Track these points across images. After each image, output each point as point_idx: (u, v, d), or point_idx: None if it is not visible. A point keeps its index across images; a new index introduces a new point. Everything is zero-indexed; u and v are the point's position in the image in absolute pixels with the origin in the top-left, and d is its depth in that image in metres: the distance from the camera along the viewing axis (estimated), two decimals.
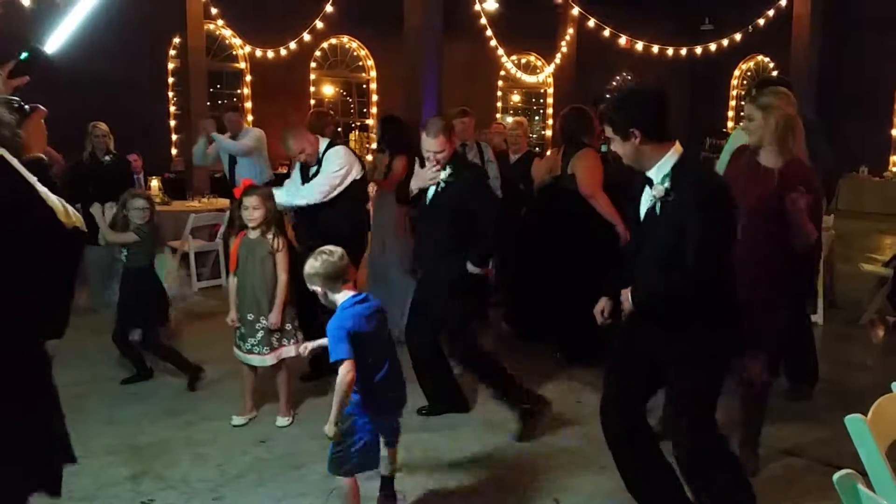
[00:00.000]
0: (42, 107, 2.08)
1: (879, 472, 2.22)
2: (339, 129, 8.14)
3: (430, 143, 4.00)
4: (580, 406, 4.55)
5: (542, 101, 16.37)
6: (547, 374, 4.98)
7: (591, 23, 12.28)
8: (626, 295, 2.86)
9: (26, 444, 1.92)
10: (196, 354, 4.95)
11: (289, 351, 4.22)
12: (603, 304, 3.09)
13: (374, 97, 14.10)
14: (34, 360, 1.94)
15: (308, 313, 4.39)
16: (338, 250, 3.00)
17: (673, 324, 2.80)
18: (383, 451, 3.20)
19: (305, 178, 4.87)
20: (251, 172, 6.65)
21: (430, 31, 8.04)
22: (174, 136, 11.70)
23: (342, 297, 2.97)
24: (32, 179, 1.82)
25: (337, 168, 4.78)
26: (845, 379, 4.97)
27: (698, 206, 2.66)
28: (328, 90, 13.95)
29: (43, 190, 1.83)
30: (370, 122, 13.46)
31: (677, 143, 2.80)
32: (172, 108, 11.62)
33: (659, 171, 2.76)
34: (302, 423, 4.26)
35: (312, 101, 13.43)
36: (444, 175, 4.06)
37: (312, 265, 2.96)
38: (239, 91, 12.73)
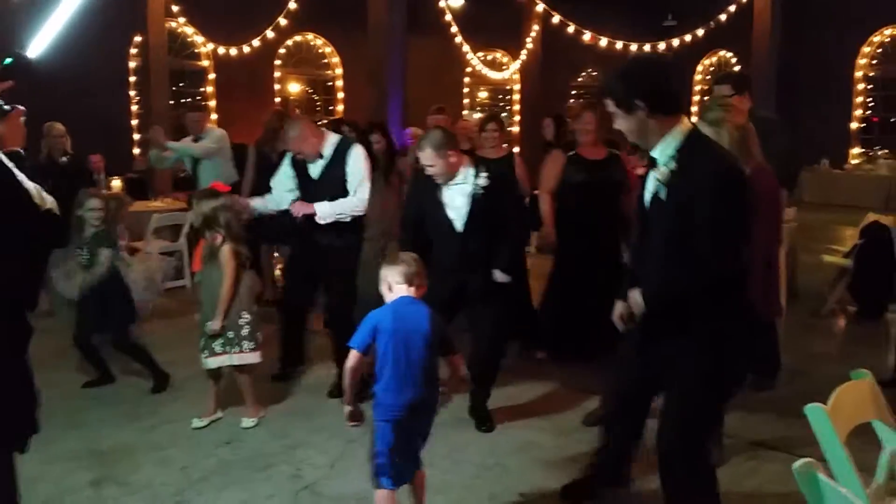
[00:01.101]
0: (21, 107, 2.26)
1: (839, 460, 2.25)
2: None
3: (421, 157, 3.98)
4: (549, 402, 4.57)
5: (508, 97, 16.40)
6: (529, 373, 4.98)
7: (556, 19, 12.31)
8: (635, 297, 2.66)
9: (15, 398, 2.10)
10: (159, 356, 4.86)
11: (231, 358, 4.16)
12: (621, 309, 2.84)
13: (340, 94, 14.02)
14: (21, 328, 2.09)
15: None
16: (412, 255, 3.02)
17: (681, 322, 2.59)
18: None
19: (303, 174, 4.64)
20: (214, 173, 6.57)
21: (394, 28, 8.03)
22: (136, 136, 11.51)
23: (395, 295, 2.94)
24: (10, 165, 2.00)
25: (367, 171, 4.60)
26: (808, 369, 5.04)
27: (709, 187, 2.43)
28: (294, 88, 13.84)
29: (20, 175, 2.01)
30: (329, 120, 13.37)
31: (685, 119, 2.58)
32: (134, 108, 11.42)
33: (664, 150, 2.54)
34: (268, 424, 4.21)
35: (277, 99, 13.32)
36: (481, 182, 3.98)
37: (386, 270, 2.97)
38: (202, 89, 12.57)
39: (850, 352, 5.71)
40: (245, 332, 4.15)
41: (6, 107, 2.21)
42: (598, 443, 3.33)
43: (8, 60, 2.38)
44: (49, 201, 2.09)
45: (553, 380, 4.87)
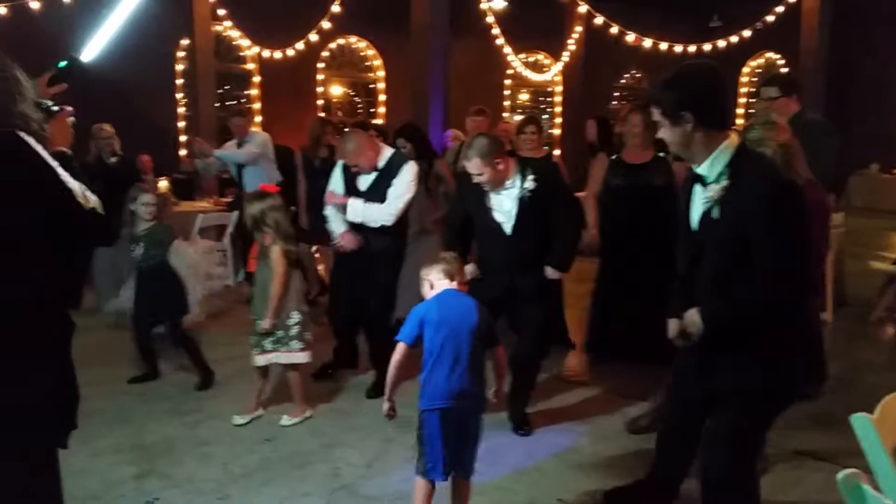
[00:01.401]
0: (69, 108, 2.31)
1: (885, 471, 2.20)
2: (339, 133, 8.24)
3: (468, 166, 3.96)
4: (589, 407, 4.54)
5: (549, 99, 16.33)
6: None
7: (600, 20, 12.21)
8: (693, 317, 2.59)
9: (58, 395, 2.11)
10: (204, 353, 4.96)
11: (279, 357, 4.22)
12: (676, 328, 2.78)
13: (382, 97, 14.10)
14: (64, 326, 2.12)
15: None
16: (451, 254, 3.08)
17: (741, 339, 2.53)
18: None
19: (351, 185, 4.68)
20: (258, 176, 6.68)
21: (436, 30, 8.05)
22: (183, 137, 11.73)
23: (438, 289, 2.98)
24: (54, 164, 2.03)
25: (411, 188, 4.61)
26: (854, 377, 4.93)
27: (766, 207, 2.34)
28: (336, 90, 13.96)
29: (64, 174, 2.04)
30: (379, 121, 13.44)
31: (733, 135, 2.49)
32: (181, 110, 11.64)
33: (713, 166, 2.46)
34: (307, 423, 4.26)
35: (320, 102, 13.45)
36: (528, 185, 3.97)
37: (429, 269, 3.00)
38: (247, 92, 12.75)
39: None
40: (294, 331, 4.20)
41: (54, 107, 2.25)
42: (655, 455, 3.26)
43: (63, 64, 2.42)
44: (93, 200, 2.11)
45: (593, 385, 4.84)
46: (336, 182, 4.79)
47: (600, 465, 3.75)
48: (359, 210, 4.57)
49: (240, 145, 6.94)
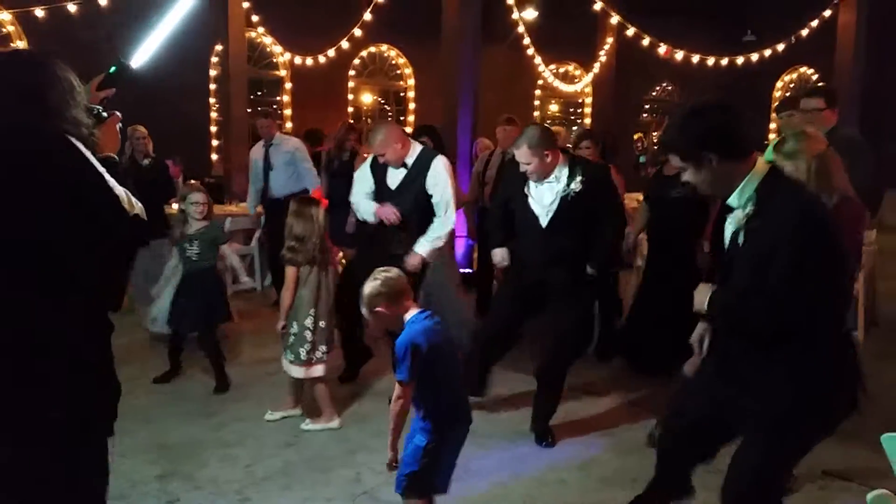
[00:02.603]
0: (117, 113, 2.35)
1: None
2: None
3: (516, 153, 3.96)
4: (612, 419, 4.51)
5: (579, 110, 16.29)
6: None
7: (631, 32, 12.15)
8: (703, 294, 2.52)
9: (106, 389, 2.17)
10: (228, 356, 5.01)
11: (287, 367, 4.24)
12: (700, 332, 2.80)
13: (412, 105, 14.17)
14: (105, 325, 2.16)
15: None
16: (394, 270, 2.93)
17: (771, 365, 2.46)
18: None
19: (381, 183, 4.58)
20: (287, 182, 6.77)
21: (467, 39, 8.05)
22: (215, 142, 11.88)
23: (408, 313, 2.86)
24: (102, 170, 2.07)
25: (451, 184, 4.49)
26: (882, 398, 4.82)
27: (787, 231, 2.29)
28: (367, 98, 14.05)
29: (110, 179, 2.08)
30: (408, 129, 13.49)
31: (760, 159, 2.44)
32: (214, 115, 11.79)
33: (742, 194, 2.42)
34: (330, 429, 4.26)
35: (350, 109, 13.54)
36: (575, 185, 3.95)
37: (374, 286, 2.85)
38: (279, 98, 12.88)
39: None
40: (296, 340, 4.15)
41: (104, 113, 2.29)
42: (658, 465, 3.19)
43: (113, 69, 2.46)
44: (137, 206, 2.15)
45: (617, 397, 4.82)
46: (365, 178, 4.66)
47: (624, 478, 3.70)
48: (427, 249, 4.43)
49: (267, 148, 7.00)
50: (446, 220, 4.48)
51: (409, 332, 2.79)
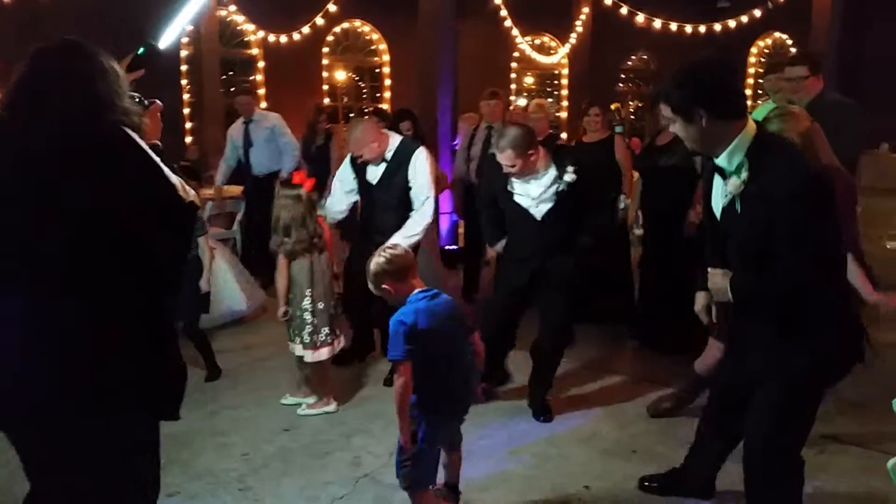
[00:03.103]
0: (158, 102, 2.45)
1: None
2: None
3: (498, 155, 3.86)
4: (610, 392, 4.50)
5: (556, 82, 16.19)
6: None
7: (608, 1, 12.03)
8: (720, 278, 2.51)
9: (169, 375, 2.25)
10: (216, 344, 4.91)
11: (292, 347, 4.19)
12: (703, 301, 2.80)
13: (388, 81, 13.99)
14: (166, 306, 2.21)
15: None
16: (401, 245, 2.90)
17: (777, 328, 2.49)
18: (444, 459, 3.07)
19: (362, 178, 4.56)
20: (268, 159, 6.64)
21: (445, 13, 7.91)
22: (188, 124, 11.65)
23: (410, 291, 2.82)
24: (157, 159, 2.07)
25: (431, 182, 4.43)
26: (874, 360, 4.86)
27: (787, 195, 2.27)
28: (341, 75, 13.85)
29: (165, 168, 2.09)
30: (385, 106, 13.34)
31: (750, 121, 2.43)
32: (186, 96, 11.55)
33: (732, 157, 2.40)
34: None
35: (325, 87, 13.35)
36: (568, 178, 3.87)
37: (378, 263, 2.82)
38: (252, 77, 12.65)
39: None
40: (300, 323, 4.10)
41: (146, 101, 2.34)
42: (692, 449, 3.20)
43: (141, 50, 2.47)
44: (192, 193, 2.17)
45: (614, 370, 4.81)
46: (346, 179, 4.66)
47: (624, 450, 3.71)
48: (402, 243, 4.27)
49: (246, 124, 6.87)
50: (423, 214, 4.43)
51: (402, 310, 2.76)
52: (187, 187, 2.15)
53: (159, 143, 2.29)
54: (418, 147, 4.54)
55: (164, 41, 2.38)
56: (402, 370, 2.73)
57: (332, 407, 4.20)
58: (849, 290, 2.63)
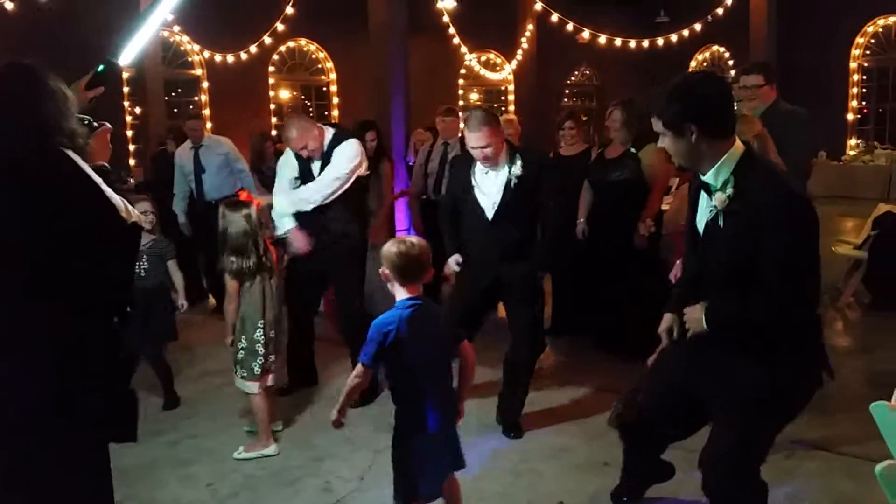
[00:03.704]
0: (107, 124, 2.39)
1: None
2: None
3: (472, 138, 3.77)
4: (579, 405, 4.49)
5: (502, 98, 16.33)
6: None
7: (555, 17, 12.16)
8: (695, 314, 2.52)
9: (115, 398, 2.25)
10: (173, 370, 4.75)
11: (236, 380, 3.93)
12: (669, 324, 2.75)
13: (335, 100, 13.92)
14: (111, 330, 2.19)
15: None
16: (421, 245, 2.74)
17: (746, 351, 2.47)
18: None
19: (306, 171, 4.46)
20: (223, 181, 6.51)
21: (395, 30, 7.90)
22: (131, 147, 11.39)
23: (400, 295, 2.73)
24: (99, 180, 2.09)
25: (350, 163, 4.36)
26: (832, 363, 4.97)
27: (775, 219, 2.28)
28: (286, 94, 13.73)
29: (107, 190, 2.11)
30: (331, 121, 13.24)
31: (738, 141, 2.45)
32: (129, 118, 11.29)
33: (718, 174, 2.40)
34: (292, 436, 4.12)
35: (272, 106, 13.21)
36: (516, 170, 3.84)
37: (390, 249, 2.71)
38: (196, 98, 12.46)
39: (870, 344, 5.62)
40: (240, 356, 3.86)
41: (95, 124, 2.30)
42: (623, 450, 3.18)
43: (101, 67, 2.48)
44: (135, 214, 2.16)
45: (582, 383, 4.79)
46: (289, 163, 4.52)
47: (596, 463, 3.69)
48: (283, 202, 4.39)
49: (196, 150, 6.71)
50: (317, 187, 4.37)
51: (384, 316, 2.70)
52: (129, 207, 2.14)
53: (107, 165, 2.26)
54: (349, 138, 4.47)
55: (125, 58, 2.26)
56: (363, 374, 2.71)
57: (271, 449, 3.89)
58: (819, 316, 2.62)
